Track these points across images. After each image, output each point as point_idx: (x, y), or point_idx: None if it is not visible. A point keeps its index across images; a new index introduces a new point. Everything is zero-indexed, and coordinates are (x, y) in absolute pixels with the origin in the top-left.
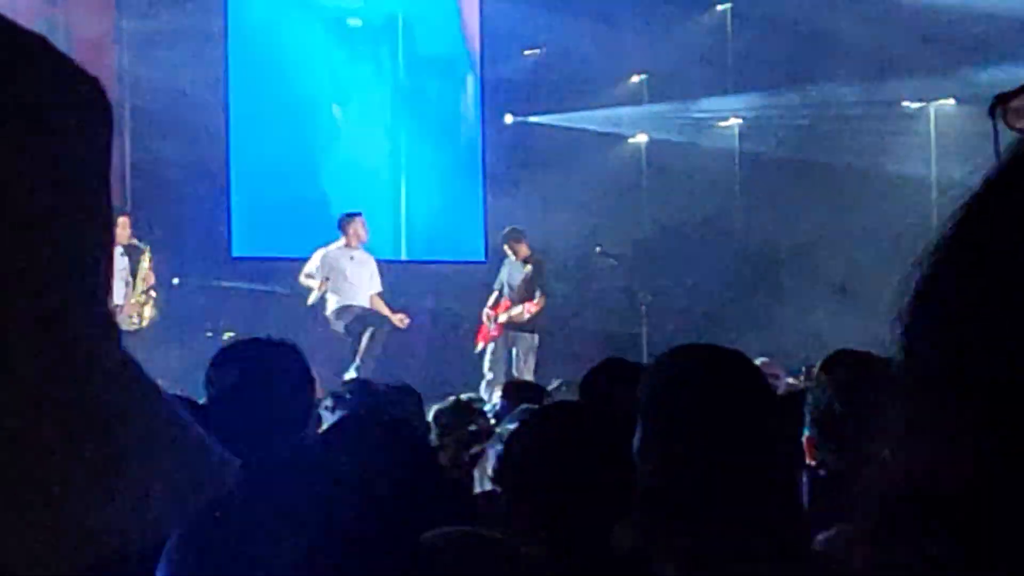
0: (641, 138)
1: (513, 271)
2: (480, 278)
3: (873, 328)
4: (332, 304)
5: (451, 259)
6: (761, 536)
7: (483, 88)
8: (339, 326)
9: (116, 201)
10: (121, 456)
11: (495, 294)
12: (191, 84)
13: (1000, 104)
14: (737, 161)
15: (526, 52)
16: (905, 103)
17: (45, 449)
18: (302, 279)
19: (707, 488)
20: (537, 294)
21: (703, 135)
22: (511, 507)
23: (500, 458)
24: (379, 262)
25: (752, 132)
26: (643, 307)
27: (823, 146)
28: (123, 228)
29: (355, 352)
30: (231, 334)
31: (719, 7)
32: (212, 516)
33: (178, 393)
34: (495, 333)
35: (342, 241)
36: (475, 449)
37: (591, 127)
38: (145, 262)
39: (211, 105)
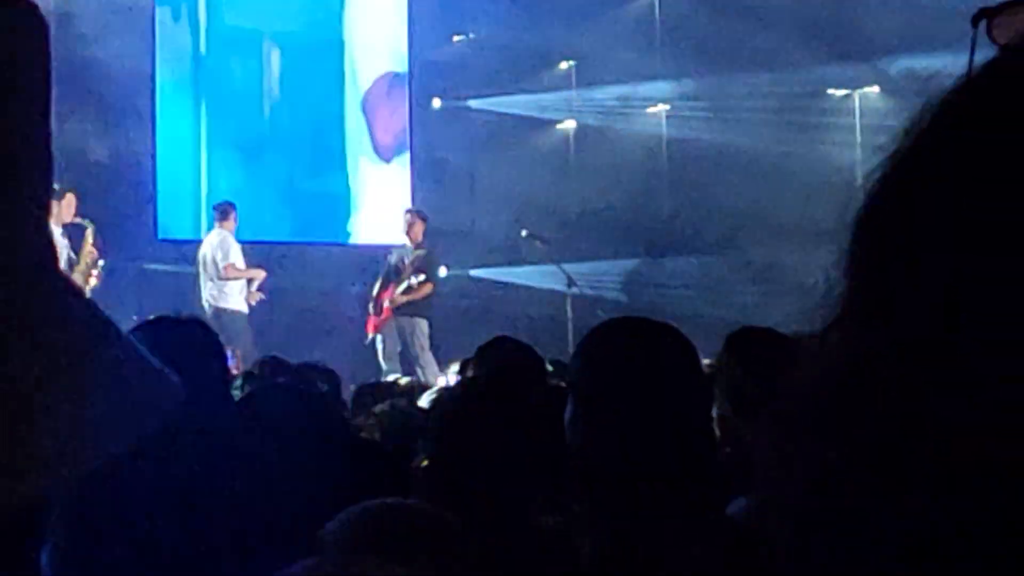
0: (569, 124)
1: (403, 255)
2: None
3: (797, 312)
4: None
5: (381, 243)
6: (679, 510)
7: (411, 72)
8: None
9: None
10: (74, 379)
11: (380, 281)
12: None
13: (985, 18)
14: (664, 147)
15: (455, 37)
16: (830, 91)
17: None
18: (231, 271)
19: (631, 462)
20: (422, 278)
21: (630, 121)
22: (432, 479)
23: (423, 431)
24: (325, 246)
25: (679, 118)
26: (569, 290)
27: (749, 133)
28: (69, 206)
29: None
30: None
31: None
32: (112, 486)
33: None
34: (384, 317)
35: (228, 227)
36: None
37: (519, 112)
38: (88, 238)
39: (138, 85)
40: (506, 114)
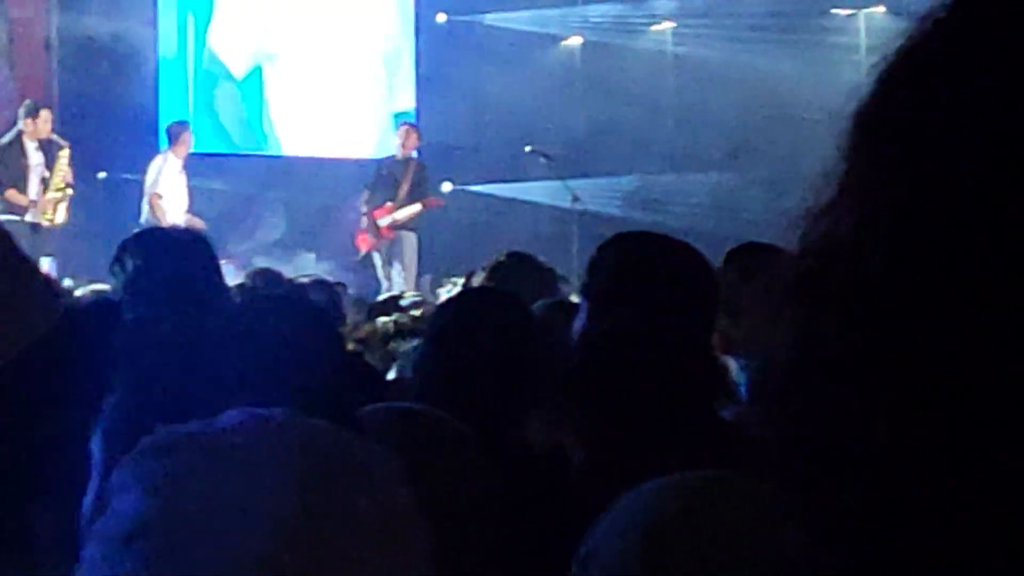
0: (575, 40)
1: (392, 167)
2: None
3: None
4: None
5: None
6: (674, 419)
7: None
8: None
9: (41, 97)
10: None
11: (365, 194)
12: None
13: None
14: (671, 64)
15: None
16: (835, 10)
17: None
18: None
19: (632, 371)
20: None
21: (636, 38)
22: (425, 392)
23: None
24: (318, 161)
25: (684, 35)
26: (573, 206)
27: (752, 50)
28: (44, 122)
29: None
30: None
31: None
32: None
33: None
34: (387, 236)
35: (178, 152)
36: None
37: (525, 27)
38: (64, 158)
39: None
40: (512, 29)
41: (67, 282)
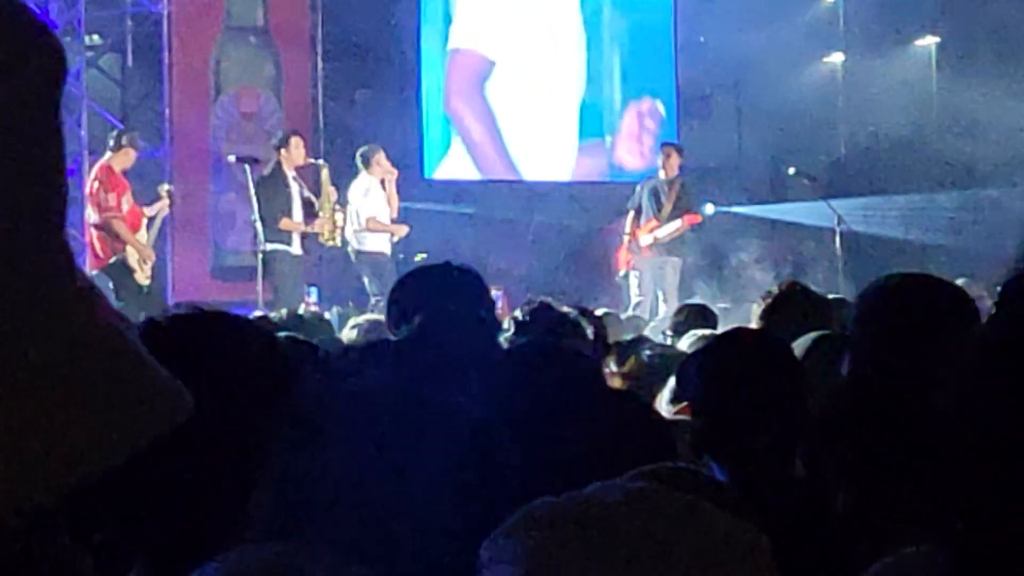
0: (836, 57)
1: (655, 187)
2: None
3: None
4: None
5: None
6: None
7: (675, 9)
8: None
9: (306, 122)
10: (78, 386)
11: (631, 214)
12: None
13: None
14: (934, 79)
15: None
16: None
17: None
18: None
19: (891, 418)
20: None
21: (899, 54)
22: (695, 433)
23: (681, 384)
24: (581, 185)
25: (948, 49)
26: (838, 229)
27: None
28: (296, 148)
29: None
30: (423, 256)
31: None
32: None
33: (373, 315)
34: (647, 255)
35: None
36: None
37: (787, 45)
38: (324, 178)
39: (404, 26)
40: (774, 47)
41: (334, 309)
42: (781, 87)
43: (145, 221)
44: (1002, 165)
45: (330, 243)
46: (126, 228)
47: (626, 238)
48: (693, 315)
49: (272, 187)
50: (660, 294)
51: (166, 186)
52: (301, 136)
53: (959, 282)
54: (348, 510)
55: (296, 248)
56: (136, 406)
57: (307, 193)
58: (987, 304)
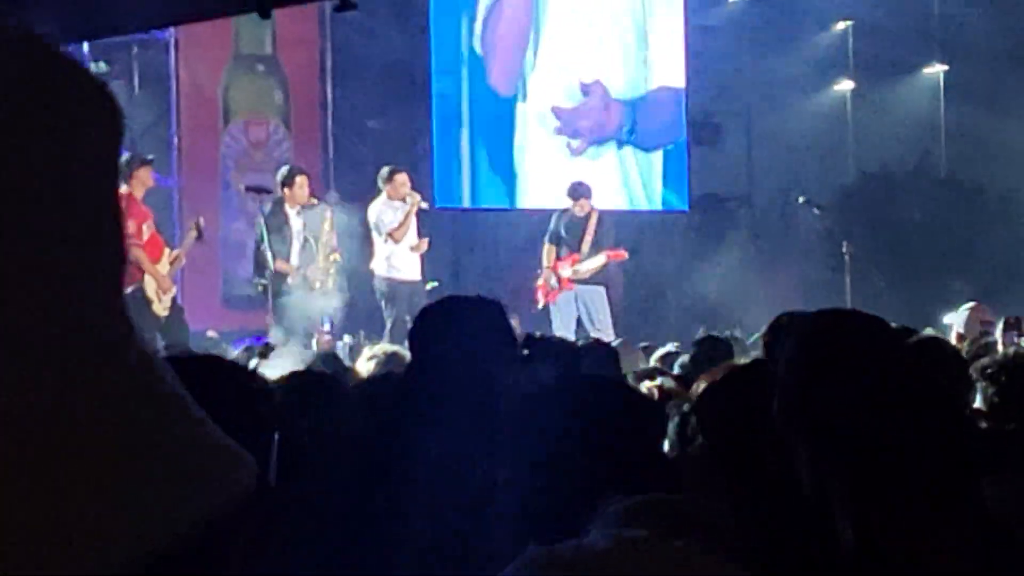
0: (846, 85)
1: (570, 222)
2: (680, 227)
3: None
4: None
5: (653, 208)
6: (939, 502)
7: (686, 37)
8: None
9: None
10: (137, 456)
11: (549, 247)
12: (394, 35)
13: None
14: (942, 107)
15: (730, 0)
16: None
17: (59, 450)
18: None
19: (893, 448)
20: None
21: (908, 82)
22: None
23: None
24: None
25: (957, 77)
26: (846, 256)
27: None
28: (300, 187)
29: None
30: (435, 283)
31: None
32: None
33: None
34: (568, 288)
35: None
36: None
37: (796, 76)
38: (326, 223)
39: (415, 55)
40: (782, 77)
41: (346, 338)
42: (790, 115)
43: (167, 251)
44: (1011, 191)
45: (320, 289)
46: (145, 257)
47: (545, 271)
48: (710, 347)
49: (273, 226)
50: (591, 324)
51: (200, 220)
52: (306, 175)
53: (967, 306)
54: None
55: (293, 281)
56: (207, 474)
57: (307, 233)
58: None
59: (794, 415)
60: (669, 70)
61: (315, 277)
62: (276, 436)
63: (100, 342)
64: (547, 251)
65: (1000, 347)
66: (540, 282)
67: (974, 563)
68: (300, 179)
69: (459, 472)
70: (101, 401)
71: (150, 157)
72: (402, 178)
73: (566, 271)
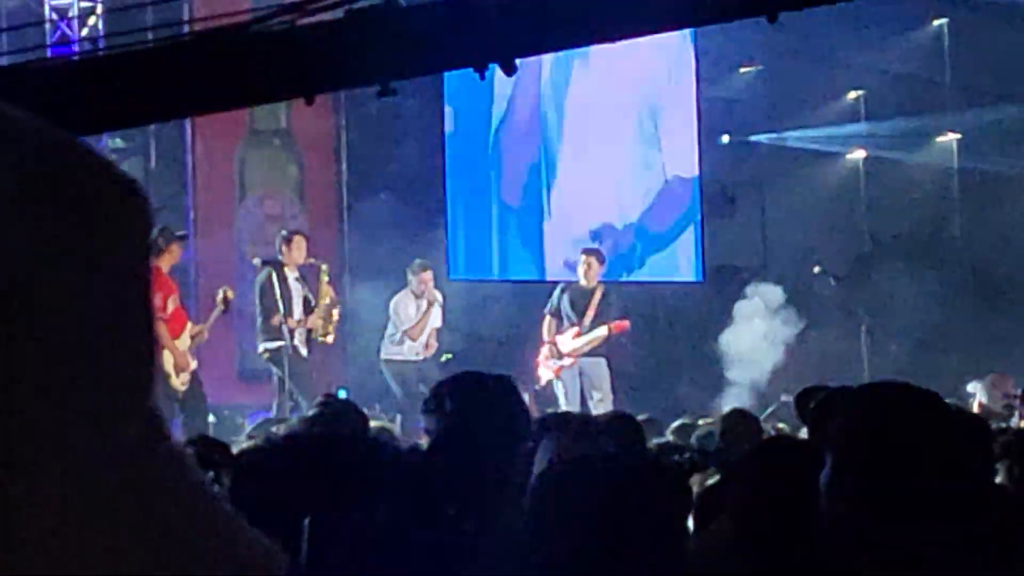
0: (859, 154)
1: (575, 295)
2: (694, 299)
3: None
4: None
5: (669, 279)
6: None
7: (699, 108)
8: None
9: (331, 224)
10: (171, 557)
11: (549, 320)
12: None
13: None
14: (956, 176)
15: (742, 69)
16: None
17: (91, 551)
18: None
19: (894, 534)
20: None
21: (921, 151)
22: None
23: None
24: (608, 282)
25: (971, 147)
26: (863, 327)
27: None
28: (298, 248)
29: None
30: (449, 356)
31: (936, 22)
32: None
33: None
34: (569, 364)
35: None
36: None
37: (809, 145)
38: (324, 278)
39: (428, 122)
40: (795, 148)
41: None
42: (804, 184)
43: (189, 325)
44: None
45: (322, 339)
46: (166, 332)
47: (546, 346)
48: (738, 421)
49: (273, 286)
50: (593, 396)
51: (229, 292)
52: (304, 236)
53: (990, 377)
54: None
55: (302, 348)
56: (241, 572)
57: (306, 292)
58: (1018, 402)
59: (848, 489)
60: (682, 156)
61: (316, 324)
62: (306, 522)
63: (131, 443)
64: (547, 324)
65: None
66: (540, 357)
67: None
68: (297, 239)
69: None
70: (131, 502)
71: (182, 233)
72: (428, 276)
73: (567, 345)
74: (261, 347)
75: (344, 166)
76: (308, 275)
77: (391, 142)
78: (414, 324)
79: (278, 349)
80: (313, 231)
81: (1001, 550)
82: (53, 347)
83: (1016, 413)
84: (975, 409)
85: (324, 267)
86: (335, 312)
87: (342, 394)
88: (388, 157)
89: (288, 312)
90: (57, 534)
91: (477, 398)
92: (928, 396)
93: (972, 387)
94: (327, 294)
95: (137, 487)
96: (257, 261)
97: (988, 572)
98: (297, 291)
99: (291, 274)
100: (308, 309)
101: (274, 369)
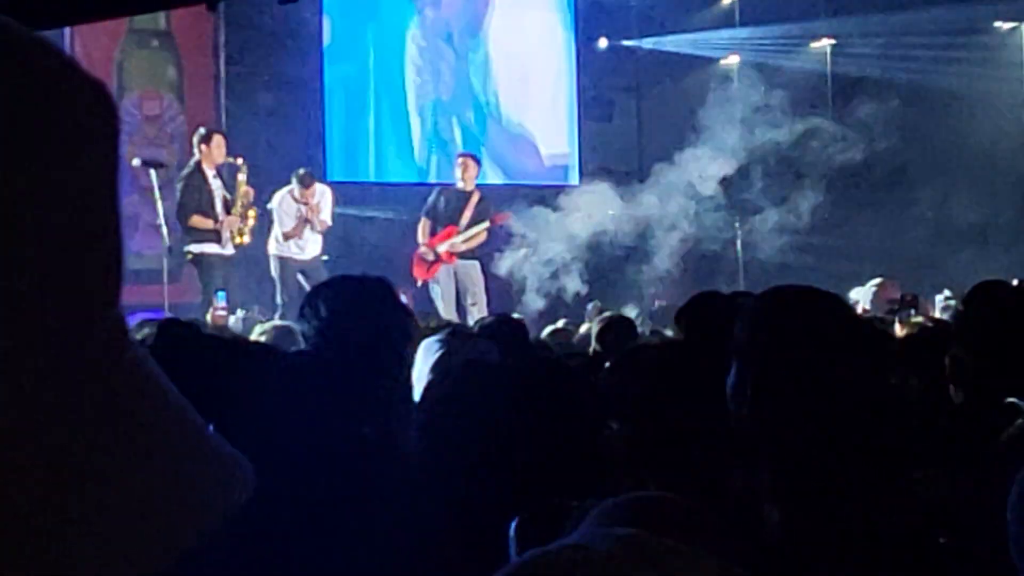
0: (733, 60)
1: (451, 197)
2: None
3: (969, 252)
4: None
5: (543, 183)
6: (862, 475)
7: (576, 13)
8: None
9: (209, 125)
10: (138, 468)
11: (426, 222)
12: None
13: None
14: (829, 83)
15: None
16: (997, 23)
17: (55, 464)
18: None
19: (808, 433)
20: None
21: (795, 57)
22: (629, 445)
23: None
24: (484, 186)
25: (843, 54)
26: (738, 229)
27: (915, 68)
28: (218, 147)
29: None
30: (325, 257)
31: None
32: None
33: (281, 322)
34: (447, 262)
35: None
36: None
37: (684, 50)
38: (242, 176)
39: (308, 24)
40: (670, 52)
41: (239, 312)
42: (679, 89)
43: None
44: (894, 169)
45: (237, 240)
46: None
47: (422, 247)
48: (616, 326)
49: (190, 186)
50: (469, 299)
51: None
52: (222, 134)
53: (874, 283)
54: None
55: (228, 249)
56: (206, 484)
57: (225, 192)
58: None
59: (748, 393)
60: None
61: (232, 226)
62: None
63: (97, 347)
64: (423, 226)
65: (898, 325)
66: (415, 258)
67: (895, 548)
68: (217, 138)
69: (388, 456)
70: (98, 409)
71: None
72: (316, 189)
73: (443, 245)
74: (187, 248)
75: (223, 67)
76: (226, 174)
77: (270, 44)
78: (291, 230)
79: (213, 253)
80: (191, 133)
81: (905, 454)
82: (19, 250)
83: (896, 320)
84: None
85: (243, 166)
86: (252, 212)
87: (221, 297)
88: (268, 59)
89: (211, 215)
90: (27, 436)
91: (352, 301)
92: (833, 299)
93: (855, 294)
94: (247, 195)
95: (107, 391)
96: (136, 162)
97: (894, 475)
98: (218, 191)
99: (210, 173)
100: (227, 210)
101: (192, 269)
